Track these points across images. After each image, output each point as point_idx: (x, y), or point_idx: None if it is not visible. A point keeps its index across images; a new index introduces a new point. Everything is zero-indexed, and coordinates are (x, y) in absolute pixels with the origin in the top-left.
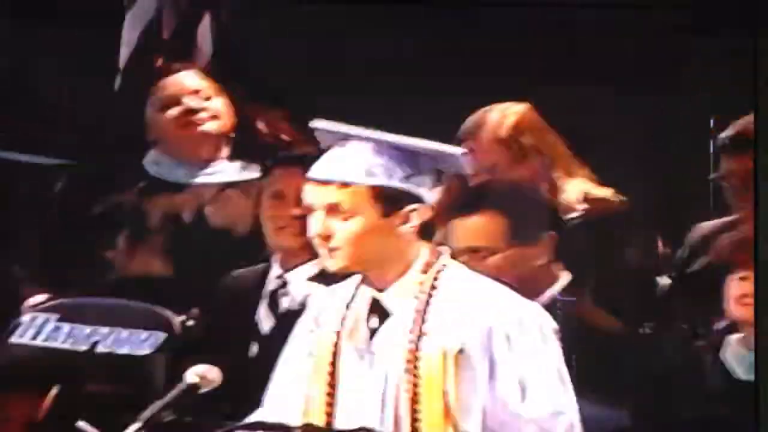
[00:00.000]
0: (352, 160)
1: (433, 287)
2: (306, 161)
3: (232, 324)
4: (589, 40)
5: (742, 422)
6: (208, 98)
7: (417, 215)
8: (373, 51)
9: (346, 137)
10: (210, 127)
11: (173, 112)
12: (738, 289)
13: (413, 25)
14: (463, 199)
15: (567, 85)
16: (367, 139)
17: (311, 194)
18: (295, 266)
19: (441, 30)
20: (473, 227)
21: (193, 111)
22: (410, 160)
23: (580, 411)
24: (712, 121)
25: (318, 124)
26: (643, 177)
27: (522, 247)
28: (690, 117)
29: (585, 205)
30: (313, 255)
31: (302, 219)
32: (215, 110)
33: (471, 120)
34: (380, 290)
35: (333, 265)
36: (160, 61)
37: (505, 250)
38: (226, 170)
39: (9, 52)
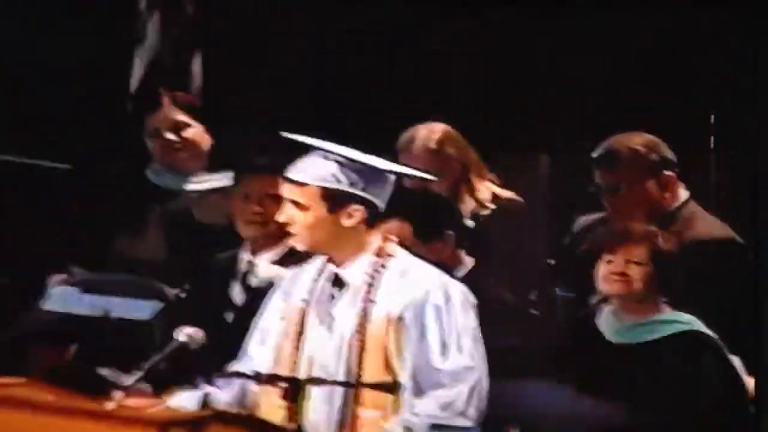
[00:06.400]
0: (311, 166)
1: (382, 266)
2: (266, 170)
3: (213, 297)
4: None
5: (611, 375)
6: (184, 128)
7: (358, 214)
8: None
9: (311, 148)
10: (184, 153)
11: (156, 141)
12: (605, 270)
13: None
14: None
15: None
16: (324, 150)
17: (284, 189)
18: (260, 253)
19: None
20: (388, 230)
21: (170, 141)
22: (360, 171)
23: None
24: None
25: (289, 135)
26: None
27: (426, 245)
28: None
29: (492, 204)
30: (275, 243)
31: (263, 215)
32: (189, 139)
33: (404, 137)
34: (340, 267)
35: (296, 244)
36: (162, 90)
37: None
38: (207, 180)
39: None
